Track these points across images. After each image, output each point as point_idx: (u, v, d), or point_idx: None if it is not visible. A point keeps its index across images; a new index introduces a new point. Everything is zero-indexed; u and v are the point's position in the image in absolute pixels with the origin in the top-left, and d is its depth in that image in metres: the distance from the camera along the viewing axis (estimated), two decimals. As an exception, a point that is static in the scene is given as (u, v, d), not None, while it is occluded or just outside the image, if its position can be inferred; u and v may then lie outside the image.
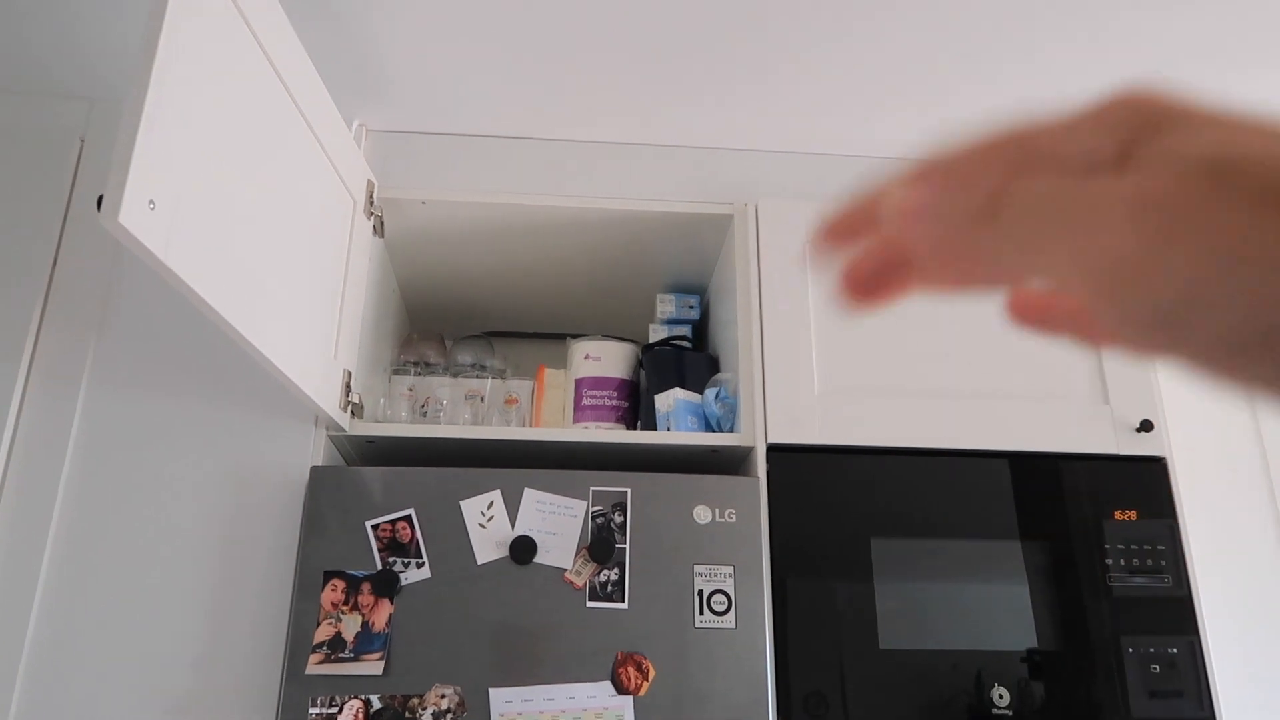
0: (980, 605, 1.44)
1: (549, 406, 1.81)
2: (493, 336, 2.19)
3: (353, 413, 1.51)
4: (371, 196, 1.63)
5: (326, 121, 1.40)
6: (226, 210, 1.11)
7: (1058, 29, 1.48)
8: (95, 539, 1.37)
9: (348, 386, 1.49)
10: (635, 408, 1.80)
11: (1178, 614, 1.46)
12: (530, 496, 1.39)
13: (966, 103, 1.66)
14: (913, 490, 1.50)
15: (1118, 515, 1.52)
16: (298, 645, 1.29)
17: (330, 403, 1.42)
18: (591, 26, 1.49)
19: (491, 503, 1.38)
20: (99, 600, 1.34)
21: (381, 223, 1.68)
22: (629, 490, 1.41)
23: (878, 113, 1.69)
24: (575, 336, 2.16)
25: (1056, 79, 1.60)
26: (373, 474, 1.39)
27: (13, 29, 1.49)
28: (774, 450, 1.51)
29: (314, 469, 1.39)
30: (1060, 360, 1.61)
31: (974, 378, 1.58)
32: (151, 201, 0.95)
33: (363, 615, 1.31)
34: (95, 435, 1.42)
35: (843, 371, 1.57)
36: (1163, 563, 1.49)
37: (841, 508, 1.48)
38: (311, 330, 1.35)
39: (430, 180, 1.72)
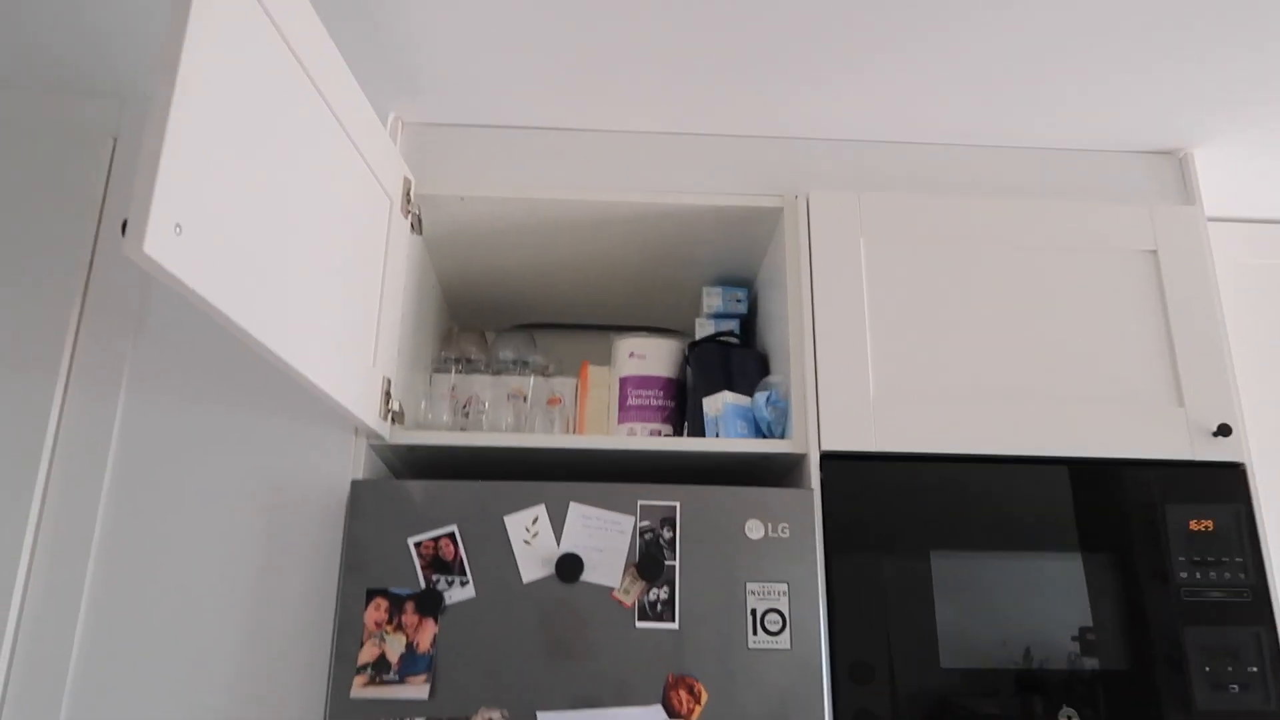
0: (1048, 621, 1.37)
1: (593, 406, 1.76)
2: (534, 329, 2.15)
3: (393, 420, 1.47)
4: (408, 194, 1.57)
5: (360, 120, 1.34)
6: (257, 225, 1.06)
7: (1109, 29, 1.38)
8: (135, 555, 1.34)
9: (387, 394, 1.45)
10: (681, 407, 1.74)
11: (1258, 634, 1.38)
12: (576, 511, 1.34)
13: (1017, 93, 1.56)
14: (974, 500, 1.44)
15: (1193, 525, 1.43)
16: (341, 666, 1.26)
17: (370, 413, 1.38)
18: (633, 14, 1.41)
19: (536, 518, 1.34)
20: (139, 620, 1.32)
21: (419, 220, 1.63)
22: (678, 504, 1.35)
23: (931, 99, 1.60)
24: (619, 330, 2.11)
25: (1105, 78, 1.49)
26: (414, 488, 1.35)
27: (44, 27, 1.44)
28: (828, 458, 1.45)
29: (355, 483, 1.36)
30: (1131, 361, 1.52)
31: (1038, 379, 1.51)
32: (178, 226, 0.90)
33: (407, 635, 1.28)
34: (134, 445, 1.40)
35: (899, 373, 1.50)
36: (1242, 576, 1.41)
37: (899, 519, 1.41)
38: (349, 340, 1.31)
39: (469, 174, 1.66)
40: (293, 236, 1.14)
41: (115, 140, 1.55)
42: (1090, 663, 1.35)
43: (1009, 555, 1.40)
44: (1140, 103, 1.59)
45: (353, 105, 1.31)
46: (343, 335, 1.28)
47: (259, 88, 1.06)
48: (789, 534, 1.35)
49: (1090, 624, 1.37)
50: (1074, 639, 1.37)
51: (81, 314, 1.46)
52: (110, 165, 1.54)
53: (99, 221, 1.50)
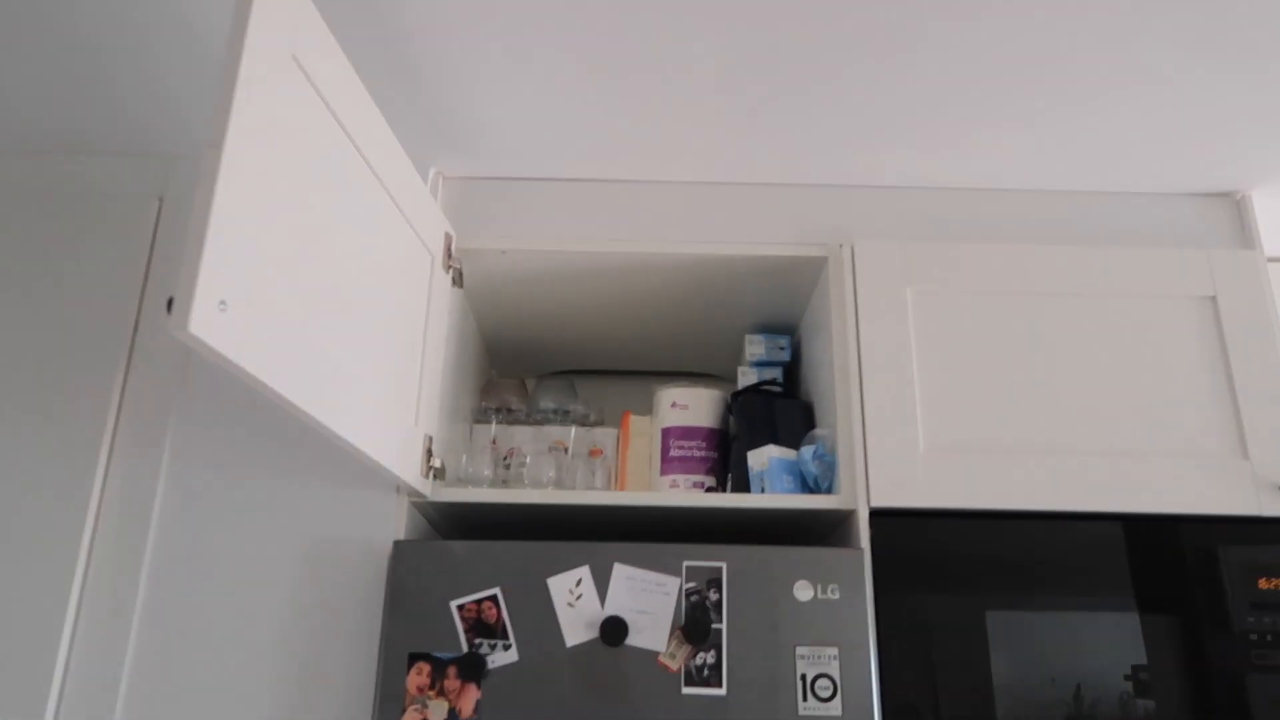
0: (1106, 682, 1.32)
1: (635, 457, 1.74)
2: (574, 375, 2.13)
3: (435, 476, 1.46)
4: (450, 249, 1.57)
5: (401, 179, 1.35)
6: (300, 294, 1.06)
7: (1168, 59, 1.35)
8: (178, 618, 1.34)
9: (429, 451, 1.44)
10: (725, 457, 1.71)
11: (1336, 699, 1.32)
12: (620, 572, 1.32)
13: (1067, 133, 1.52)
14: (1030, 557, 1.39)
15: (1263, 584, 1.38)
16: (383, 733, 1.25)
17: (411, 471, 1.37)
18: (672, 69, 1.40)
19: (580, 580, 1.31)
20: (183, 683, 1.31)
21: (460, 274, 1.63)
22: (724, 565, 1.32)
23: (977, 145, 1.57)
24: (659, 377, 2.09)
25: (1160, 112, 1.46)
26: (457, 548, 1.34)
27: (87, 90, 1.47)
28: (877, 514, 1.41)
29: (397, 543, 1.35)
30: (1191, 412, 1.47)
31: (1093, 432, 1.46)
32: (223, 302, 0.90)
33: (449, 701, 1.26)
34: (177, 508, 1.40)
35: (949, 427, 1.46)
36: (1315, 638, 1.35)
37: (953, 579, 1.37)
38: (392, 401, 1.30)
39: (510, 226, 1.65)
40: (336, 301, 1.14)
41: (161, 200, 1.57)
42: (1156, 730, 1.30)
43: (1066, 615, 1.35)
44: (1194, 144, 1.55)
45: (394, 165, 1.32)
46: (385, 396, 1.28)
47: (303, 154, 1.07)
48: (839, 595, 1.32)
49: (1150, 684, 1.32)
50: (1133, 698, 1.31)
51: (127, 375, 1.47)
52: (156, 225, 1.55)
53: (144, 283, 1.51)
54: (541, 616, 1.30)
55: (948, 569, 1.38)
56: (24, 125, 1.55)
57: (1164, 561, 1.39)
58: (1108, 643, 1.34)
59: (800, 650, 1.29)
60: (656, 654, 1.28)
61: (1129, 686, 1.32)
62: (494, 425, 1.77)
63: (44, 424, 1.42)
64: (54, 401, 1.43)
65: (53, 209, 1.55)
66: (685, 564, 1.32)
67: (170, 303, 0.88)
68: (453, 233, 1.59)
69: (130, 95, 1.47)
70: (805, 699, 1.26)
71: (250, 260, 0.95)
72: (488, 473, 1.63)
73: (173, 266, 1.53)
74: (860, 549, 1.36)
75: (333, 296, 1.13)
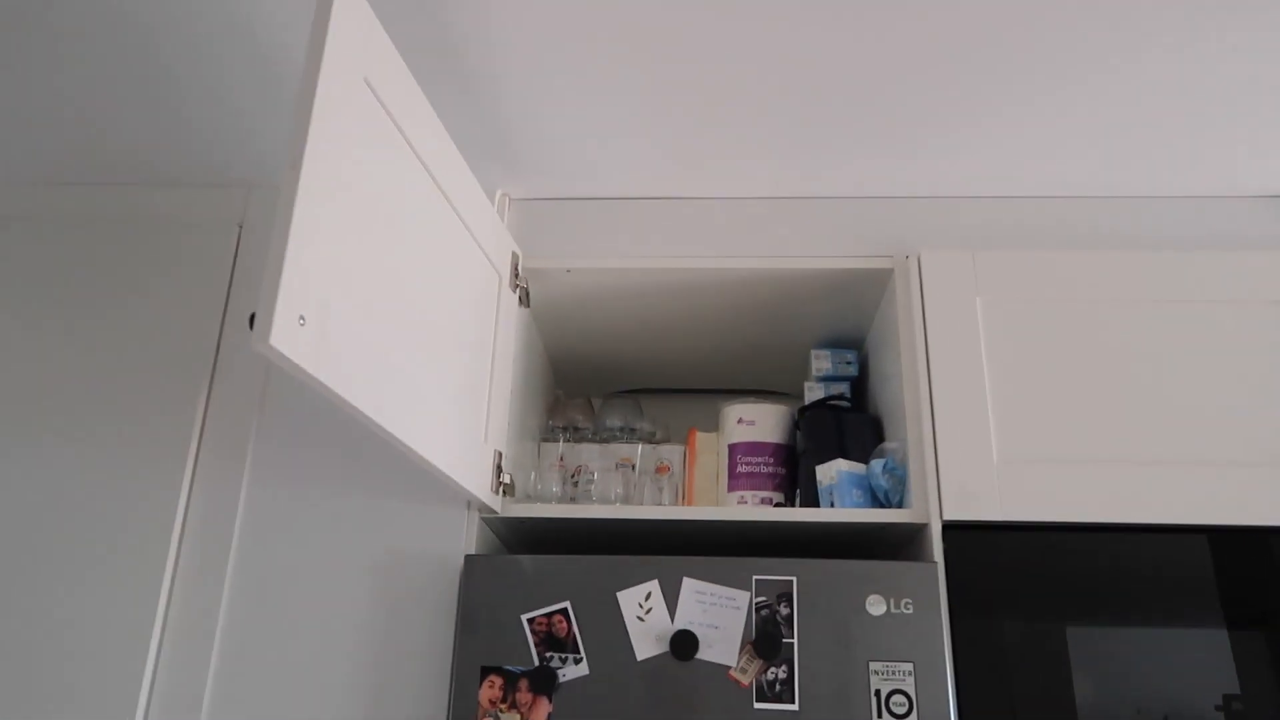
0: (1193, 701, 1.27)
1: (702, 473, 1.74)
2: (640, 394, 2.14)
3: (504, 492, 1.47)
4: (516, 269, 1.60)
5: (470, 200, 1.37)
6: (375, 310, 1.08)
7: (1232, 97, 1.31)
8: (258, 630, 1.37)
9: (499, 467, 1.45)
10: (793, 473, 1.70)
11: None
12: (689, 586, 1.31)
13: (1141, 140, 1.49)
14: (1110, 571, 1.35)
15: (1362, 599, 1.32)
16: (457, 746, 1.26)
17: (482, 487, 1.39)
18: (735, 86, 1.41)
19: (649, 594, 1.31)
20: (262, 694, 1.34)
21: (527, 293, 1.65)
22: (794, 579, 1.31)
23: (1047, 154, 1.54)
24: (725, 394, 2.09)
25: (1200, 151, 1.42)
26: (527, 563, 1.35)
27: (167, 123, 1.53)
28: (950, 528, 1.39)
29: (468, 557, 1.36)
30: (1275, 419, 1.42)
31: (1173, 442, 1.42)
32: (301, 317, 0.93)
33: (521, 714, 1.26)
34: (257, 523, 1.44)
35: (1023, 438, 1.43)
36: None
37: (1030, 593, 1.34)
38: (462, 417, 1.32)
39: (575, 245, 1.67)
40: (408, 318, 1.17)
41: (240, 227, 1.63)
42: (1251, 751, 1.25)
43: (1150, 630, 1.31)
44: (1272, 146, 1.51)
45: (462, 185, 1.34)
46: (457, 412, 1.30)
47: (376, 176, 1.10)
48: (912, 610, 1.29)
49: (1244, 715, 1.27)
50: (1223, 715, 1.26)
51: (209, 396, 1.52)
52: (236, 251, 1.61)
53: (225, 307, 1.57)
54: (612, 630, 1.30)
55: (1025, 583, 1.34)
56: (113, 158, 1.62)
57: (1253, 575, 1.34)
58: (1195, 662, 1.29)
59: (874, 666, 1.27)
60: (727, 668, 1.27)
61: (1220, 718, 1.27)
62: (561, 444, 1.79)
63: (132, 444, 1.47)
64: (140, 424, 1.49)
65: (140, 237, 1.62)
66: (755, 578, 1.31)
67: (252, 319, 0.91)
68: (519, 252, 1.62)
69: (209, 128, 1.53)
70: (879, 716, 1.24)
71: (327, 277, 0.98)
72: (556, 490, 1.65)
73: (252, 289, 1.58)
74: (934, 563, 1.34)
75: (405, 313, 1.16)
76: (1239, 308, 1.49)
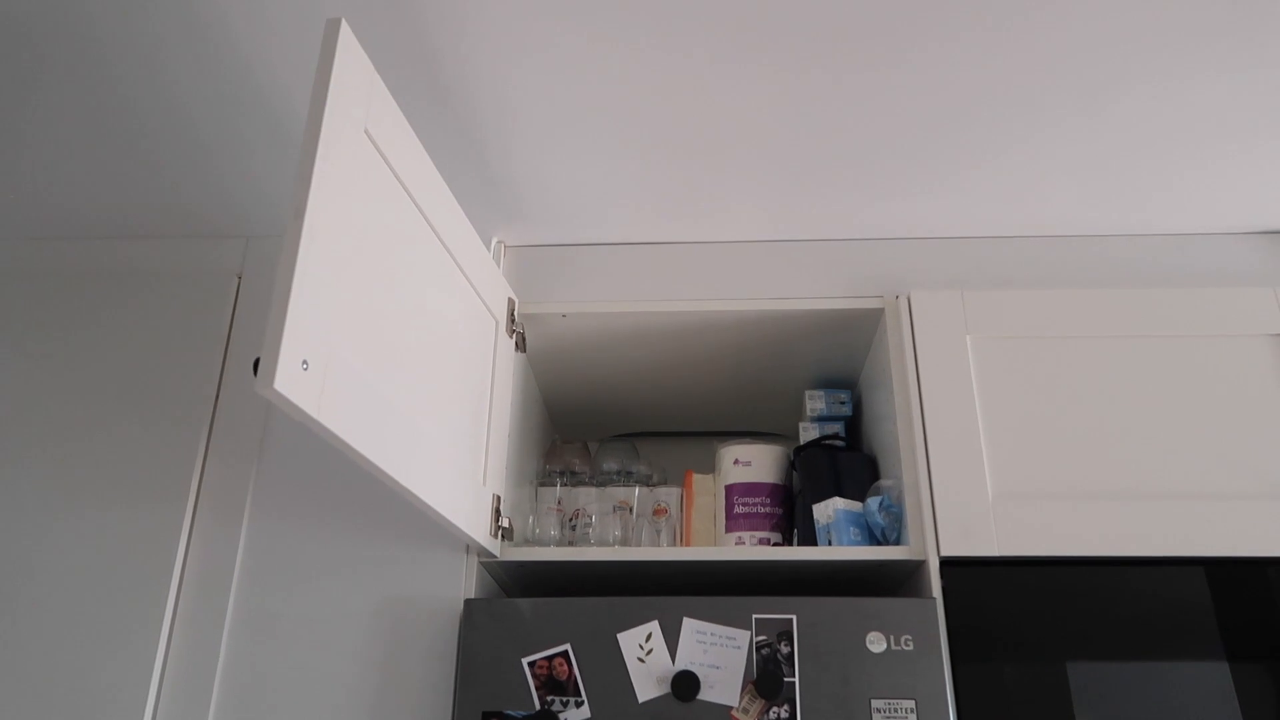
0: (1202, 738, 1.27)
1: (699, 515, 1.74)
2: (636, 438, 2.15)
3: (503, 536, 1.48)
4: (513, 314, 1.62)
5: (467, 247, 1.40)
6: (374, 355, 1.10)
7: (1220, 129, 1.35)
8: (257, 673, 1.37)
9: (497, 511, 1.46)
10: (789, 513, 1.71)
11: None
12: (690, 626, 1.32)
13: (1126, 179, 1.53)
14: (1110, 605, 1.36)
15: (1358, 628, 1.32)
16: (459, 793, 1.25)
17: (481, 531, 1.39)
18: (728, 134, 1.45)
19: (650, 634, 1.31)
20: (263, 744, 1.33)
21: (523, 338, 1.67)
22: (794, 617, 1.31)
23: (1033, 194, 1.58)
24: (721, 436, 2.10)
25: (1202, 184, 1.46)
26: (526, 606, 1.35)
27: (167, 178, 1.56)
28: (948, 564, 1.39)
29: (468, 602, 1.36)
30: (1267, 451, 1.44)
31: (1165, 475, 1.43)
32: (305, 362, 0.95)
33: (523, 760, 1.25)
34: (256, 567, 1.44)
35: (1017, 474, 1.45)
36: None
37: (1030, 628, 1.34)
38: (460, 461, 1.33)
39: (570, 291, 1.70)
40: (407, 363, 1.18)
41: (239, 278, 1.65)
42: (1256, 784, 1.24)
43: (1151, 665, 1.31)
44: (1253, 182, 1.55)
45: (459, 232, 1.37)
46: (455, 456, 1.31)
47: (376, 224, 1.12)
48: (913, 646, 1.30)
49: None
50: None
51: (208, 444, 1.53)
52: (235, 302, 1.63)
53: (224, 355, 1.58)
54: (613, 672, 1.30)
55: (1024, 617, 1.35)
56: (110, 213, 1.64)
57: (1251, 606, 1.35)
58: (1198, 695, 1.29)
59: (876, 704, 1.27)
60: (729, 708, 1.27)
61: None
62: (558, 487, 1.79)
63: (131, 488, 1.48)
64: (140, 468, 1.50)
65: (141, 288, 1.64)
66: (755, 617, 1.32)
67: (256, 364, 0.93)
68: (515, 298, 1.64)
69: (211, 181, 1.56)
70: (883, 754, 1.24)
71: (329, 322, 1.00)
72: (554, 533, 1.65)
73: (252, 337, 1.59)
74: (933, 599, 1.35)
75: (404, 358, 1.18)
76: (1224, 342, 1.51)
